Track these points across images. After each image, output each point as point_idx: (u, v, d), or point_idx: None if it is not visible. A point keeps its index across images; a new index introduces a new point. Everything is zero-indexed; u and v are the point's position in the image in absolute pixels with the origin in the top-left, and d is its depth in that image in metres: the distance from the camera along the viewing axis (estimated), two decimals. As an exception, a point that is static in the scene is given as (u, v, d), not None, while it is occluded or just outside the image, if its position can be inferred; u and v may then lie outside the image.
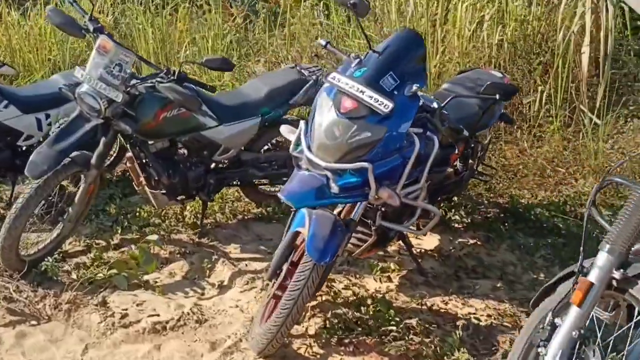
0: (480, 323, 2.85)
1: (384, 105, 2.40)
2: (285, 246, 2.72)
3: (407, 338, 2.69)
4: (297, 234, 2.71)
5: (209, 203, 4.01)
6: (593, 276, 1.83)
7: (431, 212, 2.81)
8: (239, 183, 4.18)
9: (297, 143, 2.69)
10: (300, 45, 6.12)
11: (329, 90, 2.57)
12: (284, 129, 2.84)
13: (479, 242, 3.61)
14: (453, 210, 3.85)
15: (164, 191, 3.70)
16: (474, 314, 2.94)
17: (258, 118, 3.92)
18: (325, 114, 2.50)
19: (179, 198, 3.83)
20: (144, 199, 3.98)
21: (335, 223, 2.59)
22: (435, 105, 2.73)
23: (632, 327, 1.88)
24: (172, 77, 3.41)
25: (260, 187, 4.34)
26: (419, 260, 3.31)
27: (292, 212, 2.86)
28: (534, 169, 4.37)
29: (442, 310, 2.98)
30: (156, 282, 3.41)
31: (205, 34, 6.17)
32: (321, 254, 2.48)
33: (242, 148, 4.00)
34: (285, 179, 4.26)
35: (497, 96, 2.65)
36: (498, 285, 3.18)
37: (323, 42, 2.88)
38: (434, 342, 2.66)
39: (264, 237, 3.94)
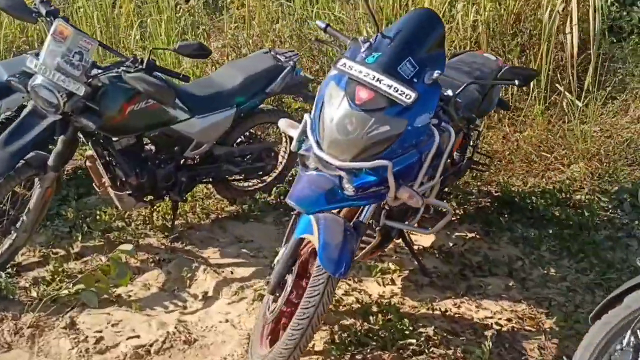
0: (502, 329, 2.63)
1: (406, 95, 2.11)
2: (288, 255, 2.41)
3: (427, 351, 2.44)
4: (301, 241, 2.40)
5: (180, 203, 3.65)
6: None
7: (442, 209, 2.56)
8: (211, 180, 3.82)
9: (301, 139, 2.37)
10: (261, 28, 5.76)
11: (338, 79, 2.26)
12: (283, 124, 2.51)
13: (478, 236, 3.39)
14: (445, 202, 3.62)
15: (130, 192, 3.32)
16: (491, 317, 2.72)
17: (233, 109, 3.59)
18: (336, 106, 2.19)
19: (147, 199, 3.47)
20: (103, 200, 3.58)
21: (346, 228, 2.30)
22: (449, 92, 2.46)
23: None
24: (140, 66, 3.02)
25: (233, 182, 4.00)
26: (420, 259, 3.06)
27: (293, 216, 2.54)
28: (519, 155, 4.19)
29: (457, 316, 2.74)
30: (130, 296, 3.04)
31: (157, 18, 5.70)
32: (336, 265, 2.18)
33: (215, 142, 3.64)
34: (260, 173, 4.00)
35: (517, 82, 2.40)
36: (510, 283, 2.97)
37: (322, 25, 2.56)
38: (458, 355, 2.42)
39: (243, 238, 3.61)
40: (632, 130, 4.29)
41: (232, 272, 3.21)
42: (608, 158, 4.04)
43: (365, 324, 2.63)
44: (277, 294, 2.42)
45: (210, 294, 3.05)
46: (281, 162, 4.14)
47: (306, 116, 2.32)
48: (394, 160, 2.17)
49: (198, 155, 3.61)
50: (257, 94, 3.69)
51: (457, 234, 3.43)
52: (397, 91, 2.11)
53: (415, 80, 2.19)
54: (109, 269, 3.04)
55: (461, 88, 2.46)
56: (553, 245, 3.25)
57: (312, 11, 5.73)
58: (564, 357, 2.37)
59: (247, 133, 3.96)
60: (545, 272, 3.06)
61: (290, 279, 2.39)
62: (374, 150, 2.17)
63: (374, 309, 2.75)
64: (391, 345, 2.48)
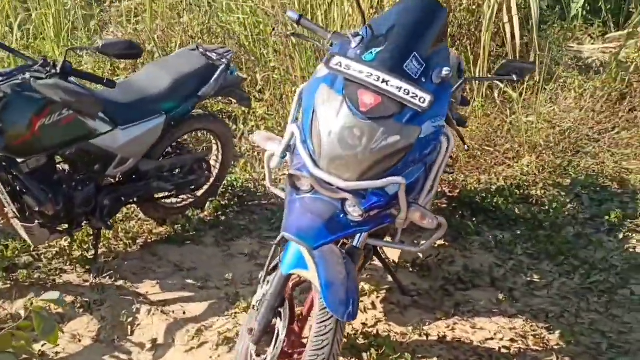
0: (509, 352, 2.37)
1: (420, 98, 1.76)
2: (275, 295, 1.99)
3: (438, 389, 2.12)
4: (288, 277, 1.99)
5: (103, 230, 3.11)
6: None
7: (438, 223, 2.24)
8: (136, 200, 3.30)
9: (283, 155, 1.95)
10: (165, 22, 5.20)
11: (330, 81, 1.86)
12: (259, 137, 2.07)
13: (446, 243, 3.13)
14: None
15: (41, 222, 2.76)
16: (492, 339, 2.46)
17: (162, 116, 3.11)
18: (334, 114, 1.80)
19: (62, 229, 2.91)
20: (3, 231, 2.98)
21: (345, 260, 1.93)
22: None
23: None
24: (53, 71, 2.47)
25: (161, 200, 3.49)
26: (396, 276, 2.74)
27: (274, 246, 2.12)
28: (463, 150, 3.99)
29: (455, 341, 2.45)
30: (58, 353, 2.49)
31: (45, 11, 4.98)
32: (345, 306, 1.80)
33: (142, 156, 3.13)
34: (192, 187, 3.51)
35: (514, 76, 2.13)
36: (497, 296, 2.72)
37: (295, 16, 2.15)
38: (474, 390, 2.13)
39: (184, 265, 3.13)
40: (569, 119, 4.23)
41: (183, 311, 2.72)
42: (553, 149, 3.94)
43: (359, 362, 2.27)
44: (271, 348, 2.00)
45: (160, 340, 2.58)
46: (213, 174, 3.68)
47: (292, 127, 1.91)
48: (402, 176, 1.82)
49: (122, 172, 3.09)
50: (189, 98, 3.22)
51: (423, 241, 3.14)
52: (408, 94, 1.75)
53: (423, 79, 1.86)
54: (29, 325, 2.45)
55: (457, 85, 2.15)
56: (528, 248, 3.05)
57: (223, 3, 5.25)
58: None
59: (174, 143, 3.45)
60: (529, 279, 2.85)
61: (281, 325, 1.98)
62: (384, 166, 1.81)
63: (362, 341, 2.40)
64: (397, 386, 2.14)
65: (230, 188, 3.88)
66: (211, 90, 3.25)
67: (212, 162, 3.67)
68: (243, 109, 4.41)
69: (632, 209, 3.36)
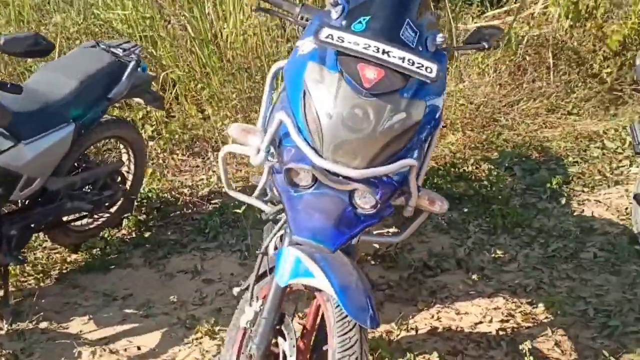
0: (506, 333, 2.26)
1: (427, 69, 1.56)
2: (273, 313, 1.71)
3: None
4: (285, 289, 1.73)
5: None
6: None
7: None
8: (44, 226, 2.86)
9: (268, 150, 1.68)
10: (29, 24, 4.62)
11: (319, 58, 1.62)
12: (235, 130, 1.76)
13: (397, 229, 2.98)
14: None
15: None
16: (481, 322, 2.34)
17: (71, 125, 2.72)
18: (333, 94, 1.56)
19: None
20: None
21: (349, 260, 1.71)
22: None
23: None
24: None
25: (72, 223, 3.06)
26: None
27: (260, 256, 1.84)
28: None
29: (445, 330, 2.30)
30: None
31: None
32: (366, 311, 1.58)
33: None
34: (108, 204, 3.10)
35: (485, 45, 2.01)
36: (469, 277, 2.62)
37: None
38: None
39: (116, 294, 2.74)
40: (479, 95, 4.27)
41: (137, 347, 2.34)
42: (473, 125, 3.95)
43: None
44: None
45: (117, 385, 2.18)
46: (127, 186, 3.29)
47: (280, 114, 1.63)
48: (412, 157, 1.63)
49: (29, 195, 2.64)
50: (98, 101, 2.83)
51: (391, 230, 2.97)
52: (414, 64, 1.55)
53: (420, 48, 1.67)
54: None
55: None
56: (481, 224, 2.99)
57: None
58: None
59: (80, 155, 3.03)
60: (493, 255, 2.78)
61: (286, 345, 1.71)
62: (394, 148, 1.60)
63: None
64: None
65: (145, 201, 3.48)
66: (123, 90, 2.88)
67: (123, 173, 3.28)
68: (142, 111, 4.00)
69: (562, 175, 3.42)
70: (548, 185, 3.26)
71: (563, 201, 3.18)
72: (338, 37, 1.57)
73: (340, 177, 1.59)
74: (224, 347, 1.87)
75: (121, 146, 3.30)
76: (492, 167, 3.53)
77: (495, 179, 3.33)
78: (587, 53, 4.64)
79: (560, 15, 4.84)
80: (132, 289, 2.79)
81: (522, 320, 2.33)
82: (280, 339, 1.74)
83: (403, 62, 1.56)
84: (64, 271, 2.95)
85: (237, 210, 2.85)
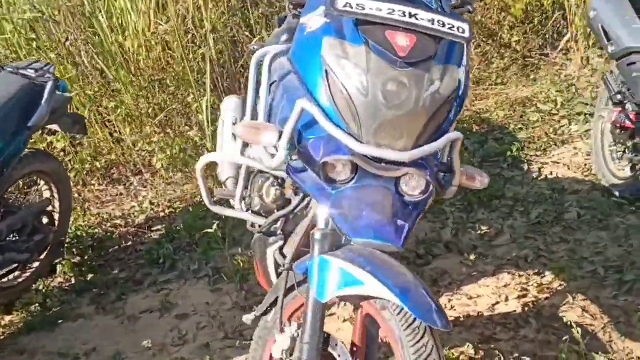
0: (528, 308, 2.14)
1: (459, 28, 1.38)
2: (317, 333, 1.45)
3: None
4: (325, 305, 1.48)
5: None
6: None
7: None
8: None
9: (289, 146, 1.42)
10: None
11: (335, 31, 1.38)
12: (245, 130, 1.47)
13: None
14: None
15: None
16: (497, 302, 2.20)
17: None
18: (364, 68, 1.33)
19: None
20: None
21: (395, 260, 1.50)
22: None
23: None
24: None
25: None
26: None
27: (284, 273, 1.57)
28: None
29: (465, 317, 2.14)
30: None
31: None
32: (436, 312, 1.37)
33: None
34: (39, 249, 2.70)
35: (470, 8, 1.87)
36: (464, 259, 2.49)
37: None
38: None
39: (75, 351, 2.39)
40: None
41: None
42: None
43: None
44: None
45: None
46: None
47: (301, 102, 1.38)
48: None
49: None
50: (18, 132, 2.42)
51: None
52: (444, 26, 1.37)
53: (439, 8, 1.49)
54: None
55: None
56: (454, 203, 2.87)
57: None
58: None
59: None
60: (479, 232, 2.67)
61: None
62: (437, 122, 1.40)
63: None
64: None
65: (74, 241, 3.07)
66: (44, 115, 2.51)
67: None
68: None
69: (511, 142, 3.39)
70: (508, 153, 3.21)
71: (524, 167, 3.14)
72: (357, 4, 1.35)
73: (384, 164, 1.37)
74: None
75: (41, 182, 2.87)
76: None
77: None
78: (494, 24, 4.70)
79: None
80: (93, 342, 2.41)
81: (538, 292, 2.22)
82: (328, 362, 1.50)
83: (433, 24, 1.37)
84: (1, 337, 2.50)
85: (209, 230, 2.52)
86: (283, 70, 1.61)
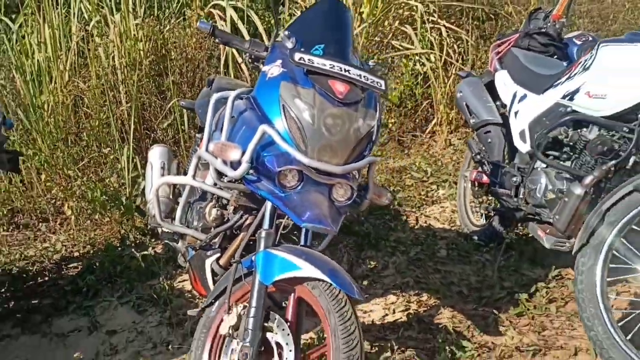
0: (410, 316, 2.65)
1: (378, 83, 1.95)
2: (260, 310, 1.88)
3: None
4: (266, 288, 1.91)
5: None
6: None
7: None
8: None
9: (251, 161, 1.88)
10: None
11: (290, 78, 1.89)
12: (217, 148, 1.91)
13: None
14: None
15: None
16: (386, 315, 2.70)
17: None
18: (311, 105, 1.84)
19: None
20: None
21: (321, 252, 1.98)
22: None
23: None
24: None
25: None
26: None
27: (235, 264, 1.98)
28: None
29: (363, 324, 2.61)
30: None
31: None
32: (354, 287, 1.85)
33: None
34: None
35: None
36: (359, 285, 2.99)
37: (207, 27, 2.08)
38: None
39: None
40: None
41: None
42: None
43: None
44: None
45: None
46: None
47: (263, 127, 1.86)
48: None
49: None
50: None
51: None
52: (368, 80, 1.93)
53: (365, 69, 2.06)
54: None
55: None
56: (348, 245, 3.39)
57: None
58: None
59: None
60: (369, 266, 3.18)
61: (281, 337, 1.88)
62: (361, 148, 1.93)
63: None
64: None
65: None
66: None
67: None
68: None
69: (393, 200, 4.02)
70: (390, 207, 3.82)
71: (404, 218, 3.76)
72: (309, 59, 1.88)
73: (324, 175, 1.87)
74: (196, 351, 1.97)
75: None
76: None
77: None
78: (374, 107, 5.48)
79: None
80: (23, 357, 2.58)
81: (418, 307, 2.75)
82: (268, 334, 1.90)
83: (361, 77, 1.92)
84: None
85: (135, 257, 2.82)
86: (238, 109, 2.09)
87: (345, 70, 1.89)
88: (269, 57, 2.03)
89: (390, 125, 5.39)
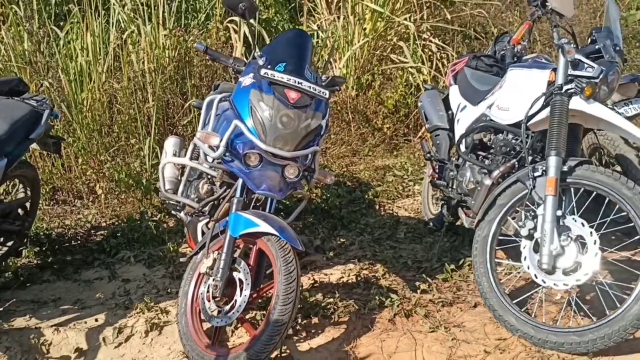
0: (360, 279, 3.33)
1: (323, 93, 2.65)
2: (229, 256, 2.58)
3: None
4: (235, 239, 2.61)
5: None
6: (552, 173, 2.64)
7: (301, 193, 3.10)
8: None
9: (226, 145, 2.60)
10: None
11: (257, 87, 2.60)
12: (202, 135, 2.64)
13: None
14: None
15: None
16: (342, 277, 3.37)
17: (3, 160, 3.24)
18: (270, 107, 2.55)
19: None
20: None
21: (277, 215, 2.68)
22: None
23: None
24: None
25: None
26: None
27: (214, 223, 2.70)
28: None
29: (322, 284, 3.30)
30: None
31: None
32: (298, 240, 2.54)
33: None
34: (18, 233, 3.60)
35: (338, 87, 3.15)
36: (327, 257, 3.66)
37: (202, 47, 2.80)
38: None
39: (44, 300, 3.28)
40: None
41: (95, 319, 2.95)
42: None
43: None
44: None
45: (84, 347, 2.78)
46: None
47: (235, 122, 2.58)
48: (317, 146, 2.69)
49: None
50: (23, 141, 3.41)
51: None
52: (316, 90, 2.63)
53: (316, 82, 2.74)
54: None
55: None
56: (325, 226, 4.08)
57: None
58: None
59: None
60: (338, 242, 3.87)
61: (243, 275, 2.57)
62: (307, 139, 2.63)
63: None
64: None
65: (32, 236, 3.98)
66: (41, 132, 3.50)
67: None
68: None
69: (371, 192, 4.70)
70: (366, 197, 4.51)
71: (377, 207, 4.44)
72: (271, 74, 2.59)
73: (278, 158, 2.57)
74: (184, 287, 2.67)
75: (21, 185, 3.82)
76: (324, 191, 4.68)
77: (328, 198, 4.48)
78: (371, 113, 6.16)
79: (347, 87, 6.33)
80: (57, 295, 3.33)
81: (369, 273, 3.42)
82: (235, 273, 2.60)
83: (310, 88, 2.62)
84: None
85: (162, 219, 3.55)
86: (223, 108, 2.82)
87: (297, 83, 2.60)
88: (244, 71, 2.74)
89: (385, 129, 6.06)
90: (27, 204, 3.79)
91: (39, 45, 5.18)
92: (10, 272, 3.57)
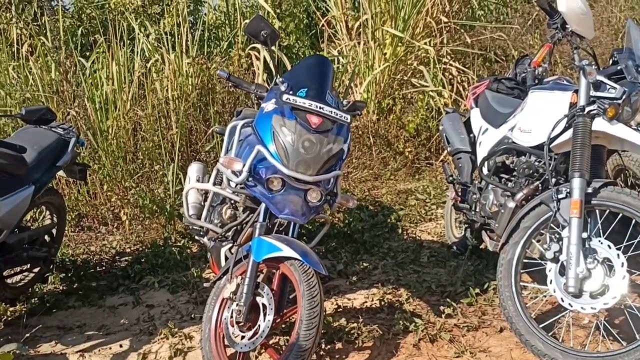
0: (384, 304, 3.31)
1: (344, 117, 2.67)
2: (252, 281, 2.59)
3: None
4: (259, 264, 2.62)
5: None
6: (576, 195, 2.61)
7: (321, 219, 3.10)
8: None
9: (249, 170, 2.62)
10: None
11: (280, 112, 2.63)
12: (226, 161, 2.68)
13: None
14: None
15: None
16: (366, 302, 3.36)
17: (32, 187, 3.31)
18: (292, 132, 2.57)
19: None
20: None
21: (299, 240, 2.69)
22: None
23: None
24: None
25: (7, 280, 3.57)
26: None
27: (237, 249, 2.71)
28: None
29: (346, 308, 3.28)
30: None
31: None
32: (320, 264, 2.54)
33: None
34: (45, 260, 3.65)
35: (359, 112, 3.17)
36: (350, 281, 3.65)
37: (224, 74, 2.85)
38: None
39: (69, 326, 3.31)
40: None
41: (119, 345, 2.96)
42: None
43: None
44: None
45: (110, 372, 2.80)
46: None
47: (258, 147, 2.61)
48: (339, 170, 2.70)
49: (-6, 246, 3.18)
50: (50, 169, 3.48)
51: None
52: (337, 115, 2.65)
53: (338, 107, 2.76)
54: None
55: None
56: (348, 250, 4.07)
57: None
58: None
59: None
60: (361, 267, 3.85)
61: (266, 300, 2.57)
62: (329, 164, 2.64)
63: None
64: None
65: (58, 263, 4.04)
66: (68, 160, 3.57)
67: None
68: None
69: (394, 216, 4.69)
70: (388, 221, 4.50)
71: (399, 231, 4.42)
72: (293, 100, 2.62)
73: (300, 182, 2.59)
74: (208, 312, 2.67)
75: (47, 212, 3.88)
76: (346, 215, 4.69)
77: (350, 222, 4.49)
78: (393, 137, 6.18)
79: (368, 111, 6.37)
80: (82, 321, 3.36)
81: (393, 297, 3.40)
82: (258, 298, 2.60)
83: (331, 113, 2.64)
84: (8, 319, 3.39)
85: (186, 245, 3.58)
86: (246, 134, 2.85)
87: (319, 108, 2.62)
88: (267, 97, 2.77)
89: (407, 153, 6.07)
90: (54, 231, 3.84)
91: (66, 74, 5.31)
92: (36, 298, 3.61)
